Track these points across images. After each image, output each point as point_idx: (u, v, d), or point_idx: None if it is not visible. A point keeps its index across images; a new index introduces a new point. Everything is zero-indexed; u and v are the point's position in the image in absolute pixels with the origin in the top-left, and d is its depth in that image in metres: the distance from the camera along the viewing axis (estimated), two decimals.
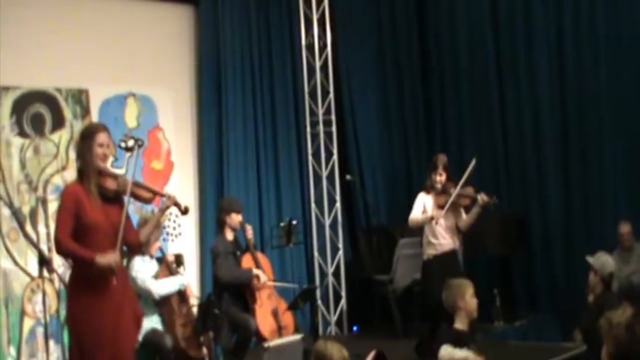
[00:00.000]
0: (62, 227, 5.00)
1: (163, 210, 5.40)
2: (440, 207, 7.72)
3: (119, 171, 6.02)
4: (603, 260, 6.64)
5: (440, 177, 7.73)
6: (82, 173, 5.14)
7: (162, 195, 5.46)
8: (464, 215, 7.82)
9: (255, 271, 7.45)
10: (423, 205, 7.81)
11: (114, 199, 5.14)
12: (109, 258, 4.94)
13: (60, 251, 5.07)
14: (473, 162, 7.73)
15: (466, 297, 5.88)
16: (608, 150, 9.27)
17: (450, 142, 10.38)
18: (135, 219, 6.29)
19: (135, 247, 5.57)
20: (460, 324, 5.88)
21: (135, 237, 5.34)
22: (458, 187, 7.67)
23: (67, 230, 4.99)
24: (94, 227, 5.02)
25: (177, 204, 5.37)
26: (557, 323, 8.96)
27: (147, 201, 5.45)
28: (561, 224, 9.66)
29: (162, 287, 6.92)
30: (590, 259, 6.70)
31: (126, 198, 5.10)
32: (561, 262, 9.54)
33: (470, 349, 5.74)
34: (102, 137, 5.14)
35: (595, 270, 6.60)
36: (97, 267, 4.92)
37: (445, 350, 5.72)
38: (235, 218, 7.52)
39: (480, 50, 10.22)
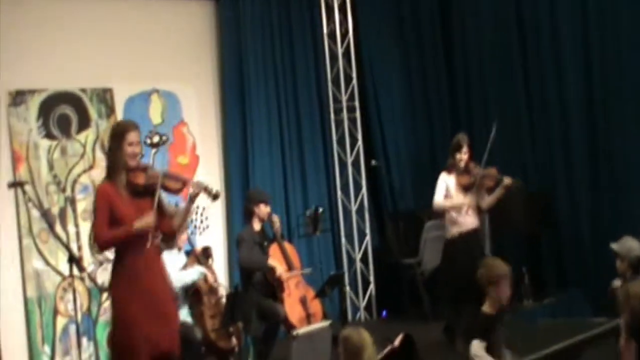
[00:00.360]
0: (99, 225, 5.28)
1: (193, 198, 5.47)
2: (463, 187, 7.76)
3: None
4: (628, 246, 6.57)
5: (465, 156, 7.77)
6: (110, 170, 5.32)
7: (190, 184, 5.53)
8: (486, 196, 7.86)
9: (272, 263, 7.54)
10: (445, 186, 7.85)
11: (144, 192, 5.30)
12: (145, 219, 5.20)
13: (102, 244, 5.37)
14: (494, 130, 7.74)
15: (502, 285, 5.78)
16: (637, 124, 9.20)
17: (475, 123, 10.35)
18: None
19: (169, 236, 5.73)
20: (488, 308, 5.80)
21: (168, 226, 5.48)
22: (482, 164, 7.70)
23: (105, 225, 5.24)
24: (126, 222, 5.23)
25: (206, 190, 5.44)
26: (586, 299, 8.95)
27: (177, 191, 5.54)
28: (589, 200, 9.60)
29: (181, 278, 7.01)
30: (615, 246, 6.67)
31: (157, 189, 5.25)
32: (590, 238, 9.49)
33: (498, 333, 5.76)
34: (132, 136, 5.32)
35: (622, 257, 6.56)
36: (139, 231, 5.18)
37: (477, 350, 5.71)
38: (264, 209, 7.63)
39: (503, 31, 10.16)
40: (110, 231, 5.24)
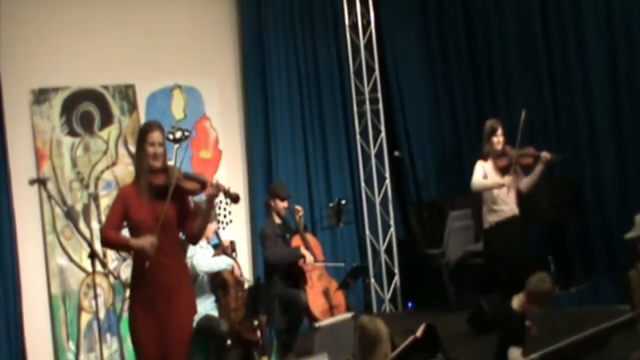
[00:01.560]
0: (108, 224, 5.38)
1: (211, 200, 5.47)
2: (501, 169, 7.72)
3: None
4: None
5: (501, 139, 7.75)
6: (136, 172, 5.42)
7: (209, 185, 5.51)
8: (524, 177, 7.80)
9: (303, 251, 7.57)
10: (483, 172, 7.81)
11: (165, 193, 5.29)
12: (142, 241, 5.21)
13: (104, 243, 5.51)
14: (523, 115, 7.71)
15: (545, 307, 5.82)
16: None
17: (500, 112, 10.27)
18: None
19: (191, 239, 5.71)
20: (518, 307, 5.80)
21: (190, 228, 5.50)
22: (517, 145, 7.67)
23: (112, 226, 5.33)
24: (139, 224, 5.30)
25: (226, 192, 5.43)
26: (613, 287, 8.87)
27: (194, 192, 5.50)
28: (616, 186, 9.53)
29: (209, 264, 7.01)
30: (631, 234, 6.61)
31: (170, 191, 5.26)
32: (617, 225, 9.39)
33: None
34: (153, 136, 5.33)
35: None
36: (133, 250, 5.30)
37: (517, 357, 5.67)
38: (280, 204, 7.64)
39: (526, 18, 10.09)
40: (113, 235, 5.33)
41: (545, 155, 7.60)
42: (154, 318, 5.30)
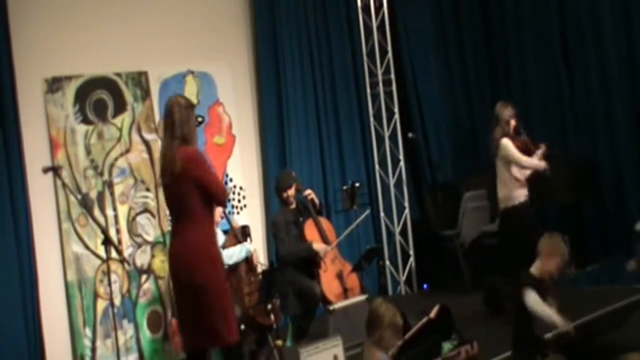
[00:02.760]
0: (220, 180, 5.74)
1: None
2: (521, 150, 7.76)
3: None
4: None
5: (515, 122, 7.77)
6: (189, 137, 5.51)
7: None
8: None
9: (316, 247, 7.57)
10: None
11: None
12: None
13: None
14: None
15: (560, 259, 5.88)
16: None
17: (515, 92, 10.24)
18: None
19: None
20: (537, 271, 5.88)
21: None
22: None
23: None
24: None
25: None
26: None
27: None
28: (632, 166, 9.50)
29: (230, 256, 7.08)
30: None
31: None
32: (634, 204, 9.39)
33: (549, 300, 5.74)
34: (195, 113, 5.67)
35: None
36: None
37: (533, 299, 5.72)
38: (290, 192, 7.65)
39: None
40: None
41: (544, 149, 7.63)
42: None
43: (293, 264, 7.56)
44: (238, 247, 7.20)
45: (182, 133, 5.47)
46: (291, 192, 7.65)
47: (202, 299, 5.39)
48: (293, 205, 7.73)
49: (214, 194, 5.44)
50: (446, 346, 6.55)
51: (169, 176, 5.47)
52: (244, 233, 7.85)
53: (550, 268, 5.86)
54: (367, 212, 8.51)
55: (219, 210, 7.14)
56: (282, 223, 7.54)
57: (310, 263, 7.60)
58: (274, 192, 7.91)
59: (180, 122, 5.48)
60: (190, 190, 5.40)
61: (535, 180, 7.95)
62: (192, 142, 5.52)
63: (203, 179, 5.41)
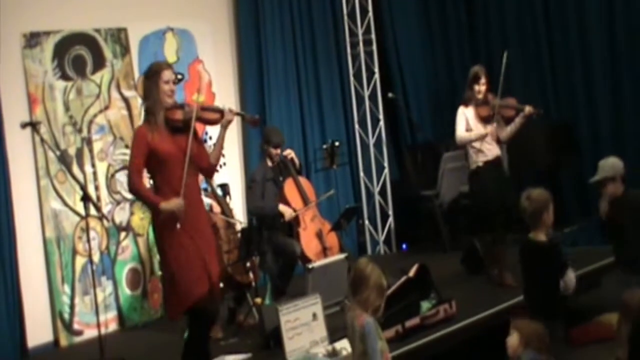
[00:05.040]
0: (134, 170, 5.32)
1: (225, 127, 5.52)
2: (483, 118, 7.66)
3: None
4: (611, 163, 6.58)
5: (483, 88, 7.67)
6: (150, 111, 5.38)
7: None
8: (505, 127, 7.76)
9: (282, 208, 7.51)
10: (465, 119, 7.76)
11: (183, 128, 5.36)
12: (172, 204, 5.23)
13: (133, 191, 5.44)
14: (504, 59, 7.65)
15: (550, 211, 5.75)
16: None
17: (495, 54, 10.21)
18: None
19: (208, 171, 5.79)
20: (541, 236, 5.74)
21: (206, 162, 5.53)
22: (499, 95, 7.61)
23: (140, 170, 5.34)
24: (167, 159, 5.31)
25: (241, 115, 5.80)
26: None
27: (215, 122, 5.58)
28: (611, 130, 9.55)
29: None
30: (600, 174, 6.62)
31: (193, 122, 5.32)
32: None
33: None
34: (167, 74, 5.40)
35: (612, 177, 6.50)
36: (162, 213, 5.23)
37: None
38: (273, 151, 7.60)
39: None
40: (143, 187, 5.37)
41: (528, 109, 7.53)
42: (199, 257, 5.32)
43: (261, 219, 7.54)
44: None
45: (147, 107, 5.44)
46: (277, 151, 7.61)
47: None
48: (273, 164, 7.71)
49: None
50: (425, 305, 6.62)
51: None
52: (223, 192, 7.83)
53: (550, 221, 5.78)
54: (332, 191, 8.47)
55: None
56: (260, 179, 7.50)
57: (290, 221, 7.59)
58: (261, 144, 7.82)
59: (145, 96, 5.46)
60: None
61: (513, 142, 7.95)
62: (154, 114, 5.36)
63: (130, 158, 5.42)
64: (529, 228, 5.83)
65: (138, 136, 5.35)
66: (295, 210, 7.55)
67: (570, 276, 5.64)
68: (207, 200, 7.16)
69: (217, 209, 7.33)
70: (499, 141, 7.78)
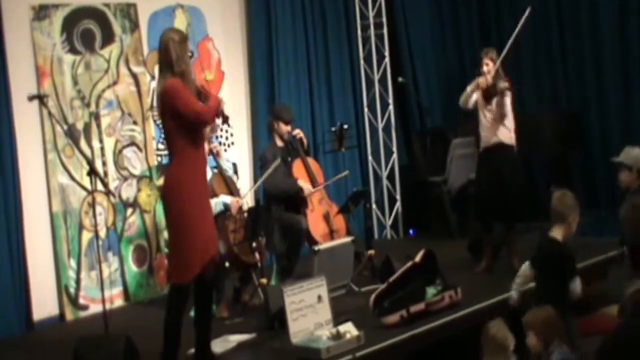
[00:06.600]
0: (198, 107, 5.40)
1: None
2: (484, 97, 7.56)
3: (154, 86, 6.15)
4: (635, 154, 6.49)
5: (485, 69, 7.57)
6: (183, 74, 5.42)
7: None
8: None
9: (300, 183, 7.53)
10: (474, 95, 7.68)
11: (201, 97, 5.55)
12: None
13: (209, 117, 5.51)
14: (527, 12, 7.57)
15: (576, 218, 5.62)
16: None
17: (505, 38, 10.14)
18: None
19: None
20: (558, 234, 5.61)
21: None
22: (504, 51, 7.51)
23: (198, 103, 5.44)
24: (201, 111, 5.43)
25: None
26: (616, 219, 8.84)
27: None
28: (620, 119, 9.50)
29: None
30: (621, 157, 6.53)
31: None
32: None
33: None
34: (189, 45, 5.66)
35: (629, 167, 6.43)
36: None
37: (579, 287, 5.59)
38: (283, 127, 7.58)
39: None
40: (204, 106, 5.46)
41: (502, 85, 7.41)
42: (208, 228, 5.52)
43: (276, 197, 7.51)
44: (213, 201, 6.99)
45: (181, 70, 5.43)
46: (287, 128, 7.58)
47: (169, 234, 5.66)
48: (281, 143, 7.67)
49: (190, 117, 5.34)
50: (430, 291, 6.59)
51: (158, 113, 5.60)
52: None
53: (574, 229, 5.67)
54: (346, 172, 8.46)
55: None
56: (271, 158, 7.48)
57: (297, 201, 7.55)
58: (269, 122, 7.78)
59: (177, 58, 5.42)
60: (170, 123, 5.40)
61: (522, 130, 7.87)
62: (187, 75, 5.46)
63: (177, 106, 5.34)
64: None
65: (179, 85, 5.37)
66: (314, 186, 7.55)
67: (577, 284, 5.54)
68: (225, 200, 7.13)
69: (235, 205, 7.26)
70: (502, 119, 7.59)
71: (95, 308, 7.45)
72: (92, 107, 7.85)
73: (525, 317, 5.02)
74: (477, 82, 7.51)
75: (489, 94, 7.48)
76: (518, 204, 7.51)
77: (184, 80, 5.41)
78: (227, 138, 8.80)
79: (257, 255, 6.96)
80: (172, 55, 5.40)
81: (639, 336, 4.39)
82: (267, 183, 7.46)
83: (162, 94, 5.39)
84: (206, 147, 6.58)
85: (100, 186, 6.38)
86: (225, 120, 5.77)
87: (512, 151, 7.63)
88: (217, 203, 6.98)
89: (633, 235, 5.87)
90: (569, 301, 5.52)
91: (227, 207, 7.10)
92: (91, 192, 6.91)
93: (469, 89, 7.59)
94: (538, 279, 5.80)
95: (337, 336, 5.81)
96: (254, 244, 6.97)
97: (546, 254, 5.70)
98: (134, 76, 8.17)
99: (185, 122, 5.35)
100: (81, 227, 7.66)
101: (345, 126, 8.61)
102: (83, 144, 7.70)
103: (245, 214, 7.13)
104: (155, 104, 5.51)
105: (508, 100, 7.49)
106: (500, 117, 7.50)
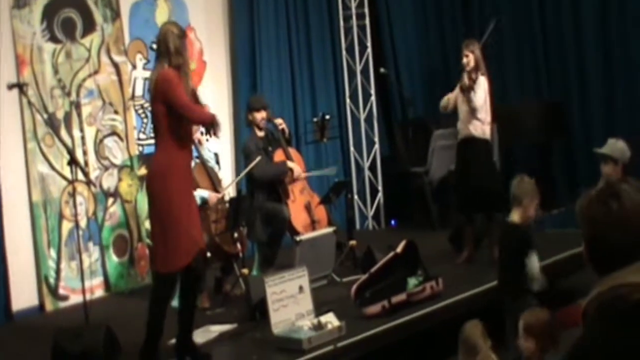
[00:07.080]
0: (188, 103, 5.42)
1: None
2: (461, 87, 7.60)
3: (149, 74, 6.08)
4: (620, 147, 6.49)
5: (464, 60, 7.58)
6: (180, 68, 5.43)
7: None
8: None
9: (290, 164, 7.54)
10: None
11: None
12: None
13: (195, 116, 5.53)
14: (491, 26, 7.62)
15: (532, 201, 5.69)
16: None
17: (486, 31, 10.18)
18: None
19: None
20: (515, 217, 5.69)
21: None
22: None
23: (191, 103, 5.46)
24: (189, 109, 5.45)
25: None
26: None
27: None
28: (602, 110, 9.53)
29: None
30: (605, 149, 6.53)
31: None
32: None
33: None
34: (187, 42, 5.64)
35: (615, 160, 6.43)
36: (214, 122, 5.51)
37: (535, 262, 5.57)
38: (257, 115, 7.55)
39: None
40: (198, 108, 5.57)
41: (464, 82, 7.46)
42: (193, 217, 5.55)
43: (263, 186, 7.49)
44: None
45: (178, 63, 5.43)
46: (260, 115, 7.55)
47: (153, 223, 5.62)
48: (262, 133, 7.65)
49: (176, 105, 5.35)
50: (411, 282, 6.59)
51: (150, 98, 5.63)
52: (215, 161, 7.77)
53: (532, 212, 5.72)
54: (334, 169, 8.47)
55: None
56: (254, 147, 7.46)
57: (280, 190, 7.54)
58: (244, 115, 7.80)
59: (175, 51, 5.42)
60: (160, 108, 5.39)
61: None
62: (185, 69, 5.48)
63: (168, 92, 5.34)
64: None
65: (175, 79, 5.37)
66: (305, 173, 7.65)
67: (533, 259, 5.55)
68: (202, 195, 7.10)
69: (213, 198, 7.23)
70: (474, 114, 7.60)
71: (75, 298, 7.42)
72: (73, 96, 7.80)
73: (523, 318, 5.00)
74: (456, 91, 7.53)
75: (462, 88, 7.54)
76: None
77: (181, 75, 5.41)
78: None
79: (238, 245, 6.96)
80: (170, 46, 5.40)
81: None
82: (256, 172, 7.42)
83: (157, 80, 5.41)
84: None
85: (80, 176, 6.35)
86: (212, 135, 5.71)
87: (482, 144, 7.62)
88: (195, 197, 6.95)
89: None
90: (530, 281, 5.54)
91: (204, 201, 7.07)
92: (72, 182, 6.90)
93: (451, 96, 7.58)
94: (500, 263, 5.86)
95: (319, 327, 5.80)
96: (236, 234, 6.96)
97: (503, 237, 5.85)
98: (115, 65, 8.12)
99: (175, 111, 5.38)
100: (61, 216, 7.61)
101: (327, 117, 8.60)
102: (63, 133, 7.64)
103: (227, 205, 7.11)
104: (147, 88, 5.50)
105: (476, 96, 7.46)
106: (471, 111, 7.50)
